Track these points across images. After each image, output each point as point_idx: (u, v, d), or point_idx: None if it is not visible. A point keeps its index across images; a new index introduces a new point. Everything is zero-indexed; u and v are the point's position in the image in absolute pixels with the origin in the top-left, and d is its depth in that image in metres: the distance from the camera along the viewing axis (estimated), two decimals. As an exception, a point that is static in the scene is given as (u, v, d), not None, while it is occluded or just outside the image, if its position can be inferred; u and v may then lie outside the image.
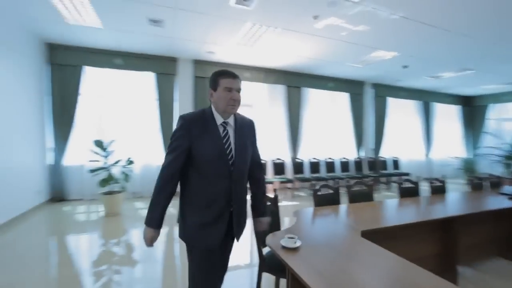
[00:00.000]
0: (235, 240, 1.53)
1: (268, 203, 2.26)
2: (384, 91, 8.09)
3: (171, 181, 1.39)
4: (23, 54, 4.39)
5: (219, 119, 1.43)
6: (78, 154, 5.18)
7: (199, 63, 6.02)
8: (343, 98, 7.58)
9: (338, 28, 4.17)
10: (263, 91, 6.72)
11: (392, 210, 2.69)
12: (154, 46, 5.16)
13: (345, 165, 7.03)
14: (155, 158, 5.69)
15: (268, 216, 1.70)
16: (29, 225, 3.90)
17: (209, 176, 1.39)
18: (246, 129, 1.52)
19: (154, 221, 1.36)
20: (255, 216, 1.66)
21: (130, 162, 4.67)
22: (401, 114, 8.48)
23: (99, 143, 4.49)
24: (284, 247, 1.62)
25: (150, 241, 1.38)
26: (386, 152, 7.96)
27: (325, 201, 2.72)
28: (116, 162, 4.56)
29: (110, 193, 4.42)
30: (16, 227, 3.76)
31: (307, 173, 6.65)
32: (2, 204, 3.69)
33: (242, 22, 4.05)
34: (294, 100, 6.87)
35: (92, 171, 4.34)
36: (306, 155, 6.84)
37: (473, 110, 9.95)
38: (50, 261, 2.97)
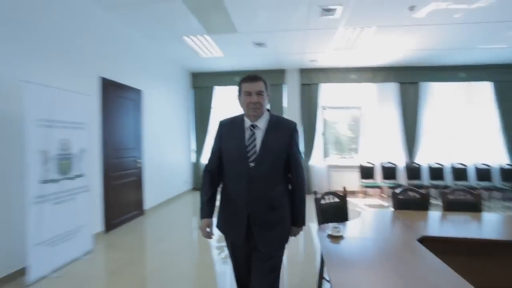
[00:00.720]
0: (262, 250, 1.41)
1: (336, 200, 2.46)
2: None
3: (208, 178, 1.54)
4: (179, 82, 6.25)
5: (247, 123, 1.47)
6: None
7: (304, 72, 6.49)
8: (483, 89, 6.11)
9: (447, 12, 3.64)
10: (371, 91, 6.42)
11: (489, 224, 2.25)
12: (263, 62, 6.04)
13: (484, 173, 5.65)
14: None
15: (300, 226, 1.56)
16: (178, 205, 5.52)
17: (231, 175, 1.48)
18: (279, 132, 1.46)
19: (201, 213, 1.53)
20: (291, 224, 1.53)
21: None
22: None
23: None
24: (329, 235, 1.86)
25: (202, 231, 1.50)
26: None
27: (407, 205, 2.59)
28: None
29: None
30: (171, 205, 5.43)
31: (425, 179, 5.82)
32: (165, 188, 5.43)
33: (333, 30, 4.23)
34: (409, 98, 6.17)
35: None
36: (426, 159, 5.99)
37: None
38: (191, 226, 4.23)
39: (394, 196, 2.63)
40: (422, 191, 2.68)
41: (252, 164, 1.40)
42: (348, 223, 2.19)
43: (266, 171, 1.42)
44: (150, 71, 4.95)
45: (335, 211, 2.36)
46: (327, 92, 6.58)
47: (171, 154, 5.77)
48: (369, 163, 5.85)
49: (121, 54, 4.10)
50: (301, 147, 6.49)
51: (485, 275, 1.76)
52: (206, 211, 1.50)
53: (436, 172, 5.76)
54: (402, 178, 5.89)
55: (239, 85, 1.48)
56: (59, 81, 2.83)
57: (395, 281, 1.29)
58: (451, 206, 2.60)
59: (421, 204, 2.61)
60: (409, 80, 6.17)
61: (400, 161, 6.05)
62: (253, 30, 4.27)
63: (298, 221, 1.53)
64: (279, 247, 1.48)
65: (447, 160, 5.91)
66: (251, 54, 5.46)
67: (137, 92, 4.50)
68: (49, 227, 2.54)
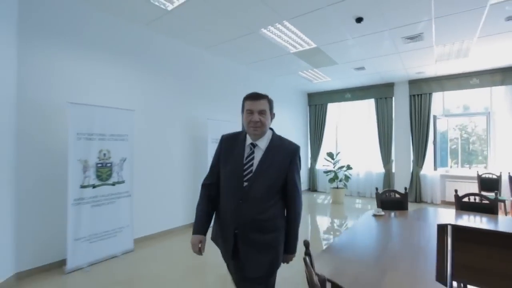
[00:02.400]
0: (248, 275, 1.37)
1: (397, 196, 3.21)
2: None
3: (205, 193, 1.50)
4: (297, 102, 7.87)
5: (248, 141, 1.44)
6: (321, 162, 7.92)
7: (413, 82, 6.65)
8: None
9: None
10: (500, 95, 5.81)
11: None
12: (369, 79, 6.72)
13: None
14: (373, 166, 7.12)
15: (291, 254, 1.48)
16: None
17: (225, 191, 1.44)
18: (278, 154, 1.42)
19: (194, 228, 1.46)
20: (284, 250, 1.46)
21: (349, 167, 6.57)
22: None
23: (330, 154, 6.85)
24: (374, 215, 2.80)
25: (192, 247, 1.43)
26: None
27: (471, 208, 2.98)
28: (340, 168, 6.65)
29: (336, 188, 6.57)
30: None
31: None
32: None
33: (427, 49, 4.61)
34: (558, 99, 5.21)
35: (325, 172, 6.76)
36: None
37: None
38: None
39: (456, 197, 3.07)
40: None
41: (246, 183, 1.36)
42: (396, 211, 2.97)
43: (259, 192, 1.36)
44: (275, 98, 6.67)
45: (393, 204, 3.14)
46: (446, 100, 6.44)
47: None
48: (492, 174, 5.37)
49: (255, 90, 6.09)
50: (410, 156, 6.66)
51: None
52: (199, 227, 1.45)
53: None
54: (542, 193, 5.03)
55: (243, 102, 1.45)
56: (226, 117, 5.01)
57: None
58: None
59: (486, 208, 2.93)
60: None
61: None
62: (349, 60, 5.27)
63: (289, 248, 1.46)
64: (269, 273, 1.38)
65: None
66: (354, 76, 6.35)
67: (265, 115, 6.43)
68: (87, 226, 3.00)
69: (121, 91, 3.66)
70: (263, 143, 1.43)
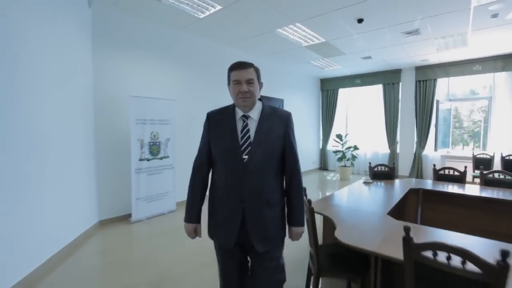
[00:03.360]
0: (256, 249, 1.32)
1: (386, 169, 3.95)
2: None
3: (196, 175, 1.44)
4: (310, 87, 8.52)
5: (239, 113, 1.38)
6: (332, 143, 8.63)
7: (420, 69, 7.10)
8: None
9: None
10: (502, 81, 6.21)
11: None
12: (377, 66, 7.23)
13: None
14: (380, 147, 7.77)
15: (301, 226, 1.44)
16: (308, 179, 7.83)
17: (223, 171, 1.36)
18: (273, 122, 1.38)
19: (188, 216, 1.43)
20: (288, 223, 1.45)
21: (356, 148, 7.28)
22: None
23: (339, 136, 7.55)
24: (364, 182, 3.58)
25: (188, 234, 1.43)
26: None
27: (445, 178, 3.69)
28: (348, 148, 7.37)
29: (344, 166, 7.32)
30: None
31: None
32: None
33: (427, 40, 5.12)
34: (554, 85, 5.59)
35: (334, 152, 7.51)
36: None
37: None
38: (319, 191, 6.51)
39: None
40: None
41: (246, 157, 1.31)
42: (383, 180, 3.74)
43: (261, 163, 1.32)
44: (290, 84, 7.49)
45: (383, 176, 3.90)
46: (451, 85, 6.90)
47: (304, 141, 8.14)
48: (486, 154, 5.92)
49: (272, 78, 6.81)
50: (414, 138, 7.25)
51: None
52: (194, 215, 1.42)
53: None
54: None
55: (228, 73, 1.36)
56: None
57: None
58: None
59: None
60: (555, 65, 5.58)
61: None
62: (356, 51, 5.84)
63: (297, 220, 1.42)
64: (277, 242, 1.39)
65: None
66: (362, 64, 6.90)
67: (280, 101, 7.14)
68: (144, 189, 3.98)
69: (165, 85, 4.55)
70: (255, 114, 1.38)
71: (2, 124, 2.12)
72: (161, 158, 4.26)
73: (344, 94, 8.60)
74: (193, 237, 1.45)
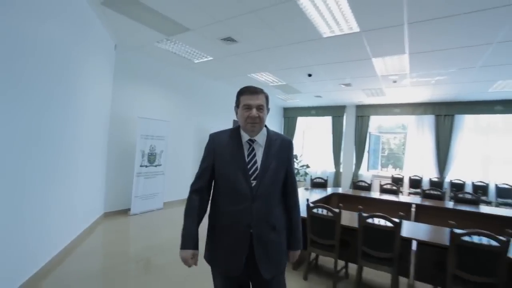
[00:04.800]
0: (265, 275, 1.30)
1: (322, 181, 5.59)
2: None
3: (195, 198, 1.39)
4: (275, 114, 10.19)
5: (245, 137, 1.38)
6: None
7: (358, 107, 9.19)
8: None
9: (429, 75, 5.97)
10: (413, 121, 8.45)
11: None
12: (327, 101, 9.17)
13: (504, 192, 6.82)
14: (328, 166, 9.62)
15: (297, 250, 1.48)
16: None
17: (230, 195, 1.34)
18: (277, 148, 1.40)
19: (185, 242, 1.34)
20: (289, 248, 1.46)
21: (307, 166, 9.02)
22: None
23: (295, 156, 9.24)
24: (305, 188, 5.13)
25: (184, 262, 1.33)
26: None
27: (361, 188, 5.41)
28: (302, 166, 9.07)
29: (297, 181, 8.96)
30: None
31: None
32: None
33: (359, 91, 7.07)
34: (443, 127, 7.86)
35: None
36: (457, 176, 7.54)
37: None
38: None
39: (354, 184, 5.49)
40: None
41: (254, 182, 1.32)
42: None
43: (268, 188, 1.34)
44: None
45: (318, 185, 5.50)
46: (381, 121, 9.04)
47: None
48: (400, 175, 7.98)
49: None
50: (353, 160, 9.20)
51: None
52: (189, 241, 1.34)
53: (459, 187, 7.28)
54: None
55: (238, 96, 1.38)
56: (220, 123, 7.21)
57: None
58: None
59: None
60: (444, 113, 7.88)
61: (426, 175, 7.84)
62: (310, 91, 7.66)
63: (296, 244, 1.47)
64: (282, 270, 1.40)
65: (470, 177, 7.31)
66: (316, 99, 8.79)
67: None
68: (141, 189, 5.07)
69: (163, 108, 5.86)
70: (261, 139, 1.39)
71: (63, 133, 3.24)
72: (155, 166, 5.45)
73: (302, 122, 10.44)
74: (189, 265, 1.34)
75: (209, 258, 1.40)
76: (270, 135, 1.44)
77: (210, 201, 1.44)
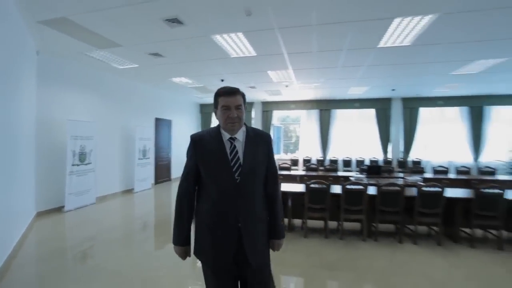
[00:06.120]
0: (253, 263, 1.38)
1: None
2: (413, 103, 9.94)
3: (184, 199, 1.47)
4: (192, 111, 11.17)
5: (226, 136, 1.43)
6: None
7: (264, 103, 11.10)
8: (369, 113, 10.30)
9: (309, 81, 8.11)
10: (304, 115, 10.89)
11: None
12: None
13: (359, 163, 9.87)
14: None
15: (281, 238, 1.56)
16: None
17: (216, 193, 1.39)
18: (257, 143, 1.47)
19: (175, 239, 1.46)
20: (272, 237, 1.53)
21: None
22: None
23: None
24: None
25: (180, 256, 1.48)
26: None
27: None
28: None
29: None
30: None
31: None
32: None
33: (262, 91, 8.81)
34: (324, 119, 10.53)
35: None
36: (334, 155, 10.30)
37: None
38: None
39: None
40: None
41: (238, 178, 1.38)
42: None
43: (252, 183, 1.41)
44: (177, 108, 9.92)
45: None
46: (282, 114, 11.17)
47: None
48: (296, 157, 10.34)
49: (164, 104, 9.07)
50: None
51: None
52: (184, 238, 1.47)
53: (335, 162, 10.05)
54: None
55: (216, 98, 1.44)
56: (143, 122, 7.83)
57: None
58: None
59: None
60: (324, 108, 10.54)
61: (315, 156, 10.44)
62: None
63: (279, 233, 1.54)
64: (268, 259, 1.50)
65: (345, 155, 10.22)
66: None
67: (169, 121, 9.47)
68: (74, 186, 5.44)
69: (91, 110, 6.19)
70: (240, 136, 1.44)
71: None
72: (86, 164, 5.84)
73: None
74: (184, 258, 1.48)
75: (199, 253, 1.44)
76: (249, 132, 1.48)
77: (196, 199, 1.50)
